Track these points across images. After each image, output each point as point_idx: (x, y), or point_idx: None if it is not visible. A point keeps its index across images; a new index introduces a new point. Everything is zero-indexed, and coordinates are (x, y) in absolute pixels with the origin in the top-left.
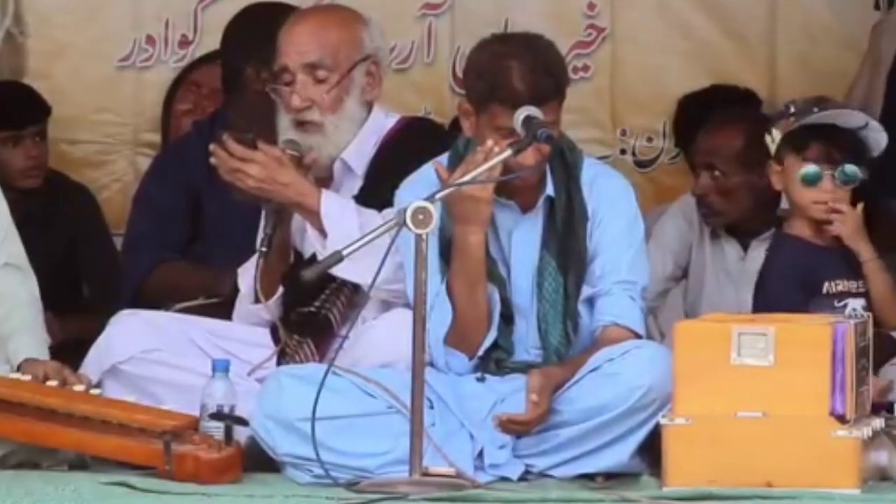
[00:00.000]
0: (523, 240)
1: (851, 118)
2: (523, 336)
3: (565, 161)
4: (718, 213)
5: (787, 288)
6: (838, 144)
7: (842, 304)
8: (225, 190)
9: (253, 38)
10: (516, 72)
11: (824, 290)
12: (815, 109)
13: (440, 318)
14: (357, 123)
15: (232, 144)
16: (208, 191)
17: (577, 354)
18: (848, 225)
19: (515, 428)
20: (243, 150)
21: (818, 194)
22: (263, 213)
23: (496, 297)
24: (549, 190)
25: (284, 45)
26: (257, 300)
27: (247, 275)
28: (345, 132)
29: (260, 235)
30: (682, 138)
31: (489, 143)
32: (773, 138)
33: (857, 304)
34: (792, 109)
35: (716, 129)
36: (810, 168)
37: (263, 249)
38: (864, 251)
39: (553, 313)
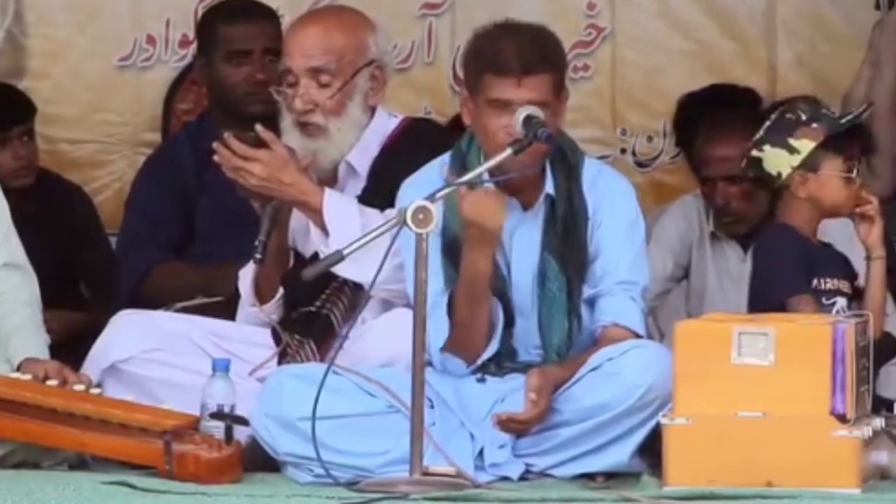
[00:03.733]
0: (524, 239)
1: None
2: (524, 335)
3: (566, 160)
4: (744, 219)
5: (799, 273)
6: (861, 141)
7: (830, 301)
8: (217, 190)
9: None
10: (507, 42)
11: (813, 286)
12: (824, 111)
13: (438, 323)
14: (360, 127)
15: (235, 143)
16: (199, 191)
17: (576, 354)
18: (877, 221)
19: (515, 427)
20: (246, 148)
21: (854, 190)
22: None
23: (500, 311)
24: (549, 188)
25: (290, 46)
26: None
27: (246, 279)
28: (348, 135)
29: (255, 242)
30: (682, 137)
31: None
32: (799, 148)
33: (844, 303)
34: (804, 117)
35: (725, 137)
36: (853, 167)
37: (258, 256)
38: (878, 248)
39: (556, 313)
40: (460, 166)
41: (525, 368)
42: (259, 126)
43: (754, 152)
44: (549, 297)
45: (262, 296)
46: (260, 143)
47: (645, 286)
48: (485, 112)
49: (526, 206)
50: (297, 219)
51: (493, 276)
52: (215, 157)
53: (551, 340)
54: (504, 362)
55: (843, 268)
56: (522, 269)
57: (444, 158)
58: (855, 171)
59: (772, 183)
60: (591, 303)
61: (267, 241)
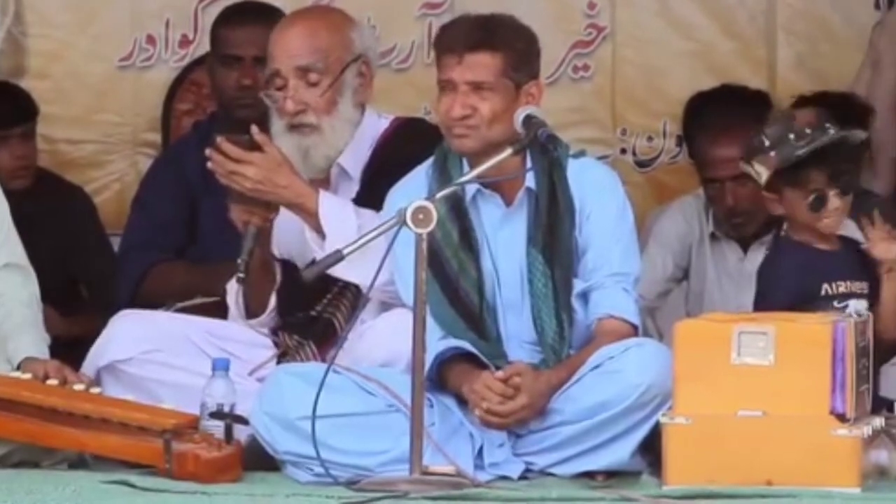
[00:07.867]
0: (510, 235)
1: (849, 136)
2: (515, 331)
3: (547, 154)
4: (753, 219)
5: (791, 292)
6: (832, 163)
7: (842, 304)
8: (221, 192)
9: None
10: (458, 22)
11: (822, 293)
12: (791, 136)
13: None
14: (352, 124)
15: (227, 146)
16: (205, 193)
17: (574, 354)
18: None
19: (495, 421)
20: (239, 151)
21: (827, 214)
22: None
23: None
24: (529, 182)
25: (275, 49)
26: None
27: (231, 295)
28: (341, 133)
29: (238, 261)
30: (690, 137)
31: None
32: (758, 172)
33: (859, 305)
34: (767, 143)
35: (731, 138)
36: (816, 198)
37: (241, 276)
38: (889, 263)
39: (546, 309)
40: (441, 167)
41: None
42: (254, 128)
43: (742, 164)
44: (538, 294)
45: (252, 309)
46: (254, 146)
47: (637, 276)
48: (438, 96)
49: (508, 202)
50: (294, 226)
51: (478, 272)
52: (209, 165)
53: (545, 336)
54: (497, 360)
55: (853, 269)
56: (509, 265)
57: (430, 162)
58: (817, 199)
59: None
60: (585, 297)
61: (249, 261)
